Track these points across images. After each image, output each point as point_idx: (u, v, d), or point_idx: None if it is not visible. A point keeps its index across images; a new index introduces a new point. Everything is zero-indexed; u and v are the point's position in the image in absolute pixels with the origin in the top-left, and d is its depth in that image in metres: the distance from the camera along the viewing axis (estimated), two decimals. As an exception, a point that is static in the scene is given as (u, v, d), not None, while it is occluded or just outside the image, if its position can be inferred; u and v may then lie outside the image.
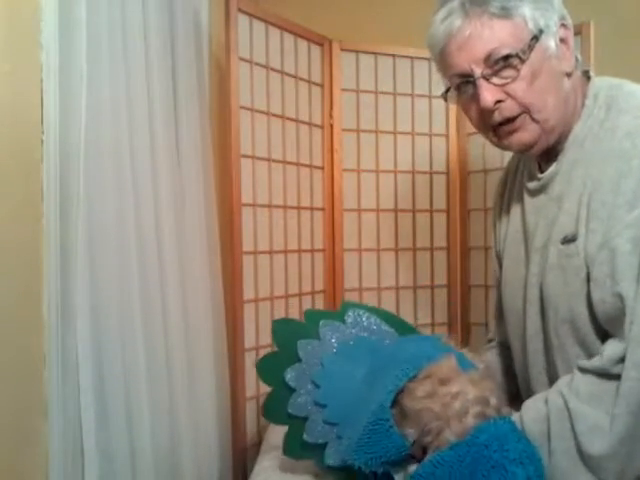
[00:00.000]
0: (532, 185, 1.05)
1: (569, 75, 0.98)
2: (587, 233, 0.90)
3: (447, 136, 2.37)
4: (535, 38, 0.93)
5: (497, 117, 0.97)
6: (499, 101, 0.95)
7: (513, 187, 1.16)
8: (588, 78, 1.04)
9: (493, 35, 0.92)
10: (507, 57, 0.93)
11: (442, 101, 2.47)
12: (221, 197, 1.96)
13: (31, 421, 1.24)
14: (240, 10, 1.87)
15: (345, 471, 1.07)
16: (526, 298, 1.02)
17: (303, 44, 2.15)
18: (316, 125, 2.21)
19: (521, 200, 1.09)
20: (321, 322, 1.22)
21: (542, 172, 1.04)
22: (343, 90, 2.25)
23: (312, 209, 2.20)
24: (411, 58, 2.33)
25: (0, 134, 1.16)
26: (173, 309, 1.62)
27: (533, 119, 0.96)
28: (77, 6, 1.32)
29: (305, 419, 1.15)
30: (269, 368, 1.23)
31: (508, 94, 0.95)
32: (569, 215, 0.94)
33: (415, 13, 2.52)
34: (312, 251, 2.20)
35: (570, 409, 0.86)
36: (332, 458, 1.10)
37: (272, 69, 2.02)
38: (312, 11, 2.45)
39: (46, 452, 1.26)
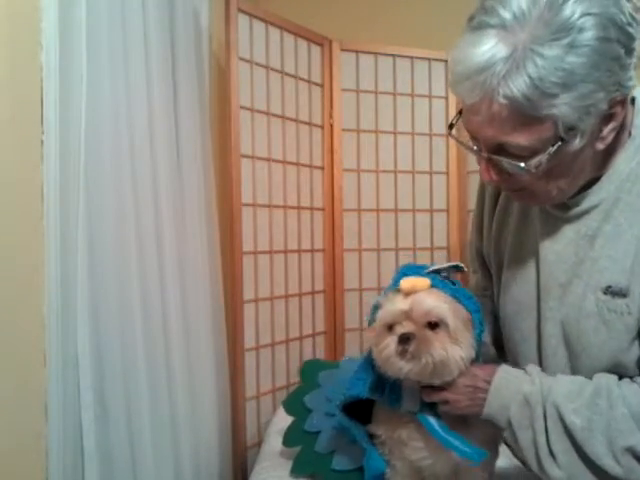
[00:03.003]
0: (558, 213, 0.91)
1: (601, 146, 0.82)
2: None
3: (447, 136, 2.37)
4: (561, 140, 0.76)
5: (501, 185, 0.89)
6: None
7: None
8: (631, 100, 0.86)
9: (514, 132, 0.76)
10: (518, 158, 0.79)
11: (442, 101, 2.50)
12: (221, 197, 1.96)
13: (31, 421, 1.24)
14: (240, 10, 1.87)
15: (351, 476, 1.17)
16: (542, 331, 0.94)
17: (303, 44, 2.15)
18: (316, 125, 2.21)
19: (532, 217, 0.98)
20: (344, 358, 1.36)
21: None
22: (343, 90, 2.25)
23: (312, 209, 2.20)
24: (411, 58, 2.33)
25: (0, 134, 1.16)
26: (173, 309, 1.62)
27: (538, 198, 0.86)
28: (77, 6, 1.32)
29: (318, 434, 1.28)
30: (294, 401, 1.40)
31: (511, 177, 0.83)
32: (614, 263, 0.85)
33: (415, 13, 2.54)
34: (312, 251, 2.20)
35: (612, 391, 0.83)
36: (340, 464, 1.20)
37: (272, 69, 2.02)
38: (312, 11, 2.45)
39: (46, 452, 1.26)
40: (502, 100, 0.73)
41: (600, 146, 0.81)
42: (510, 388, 0.88)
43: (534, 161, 0.78)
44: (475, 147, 0.83)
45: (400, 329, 0.89)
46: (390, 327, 0.90)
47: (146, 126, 1.52)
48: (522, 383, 0.88)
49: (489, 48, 0.73)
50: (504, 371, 0.91)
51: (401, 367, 0.88)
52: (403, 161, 2.34)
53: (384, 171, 2.32)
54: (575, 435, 0.83)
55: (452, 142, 2.36)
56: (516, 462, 1.43)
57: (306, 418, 1.34)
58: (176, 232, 1.64)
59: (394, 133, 2.33)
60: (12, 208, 1.19)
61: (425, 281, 0.91)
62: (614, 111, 0.78)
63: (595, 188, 0.87)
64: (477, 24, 0.76)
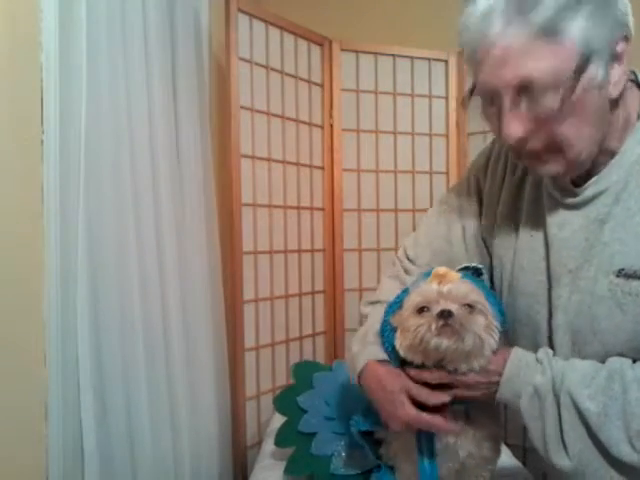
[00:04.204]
0: (566, 200, 0.91)
1: (615, 98, 0.83)
2: None
3: (447, 136, 2.37)
4: (582, 66, 0.77)
5: (523, 149, 0.86)
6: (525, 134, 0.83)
7: (523, 182, 1.02)
8: (637, 84, 0.88)
9: (532, 60, 0.77)
10: (544, 89, 0.78)
11: (442, 101, 2.49)
12: (221, 197, 1.96)
13: (31, 421, 1.24)
14: (240, 10, 1.87)
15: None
16: (552, 321, 0.93)
17: (303, 44, 2.15)
18: (316, 125, 2.21)
19: (539, 204, 0.97)
20: (335, 361, 1.36)
21: (575, 185, 0.91)
22: (343, 90, 2.25)
23: (312, 209, 2.20)
24: (411, 58, 2.33)
25: (0, 134, 1.16)
26: (173, 309, 1.62)
27: (562, 154, 0.84)
28: (77, 6, 1.32)
29: (313, 435, 1.28)
30: (285, 400, 1.40)
31: (537, 125, 0.82)
32: (626, 246, 0.84)
33: (415, 13, 2.54)
34: (312, 251, 2.21)
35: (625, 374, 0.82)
36: (338, 468, 1.20)
37: (272, 69, 2.02)
38: (312, 11, 2.45)
39: (46, 452, 1.26)
40: (518, 27, 0.76)
41: (613, 92, 0.82)
42: (521, 377, 0.88)
43: (560, 91, 0.78)
44: (495, 100, 0.83)
45: (438, 307, 0.87)
46: (421, 310, 0.89)
47: (146, 126, 1.52)
48: (533, 373, 0.88)
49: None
50: (516, 359, 0.90)
51: (439, 343, 0.86)
52: (403, 161, 2.34)
53: (384, 171, 2.32)
54: (590, 422, 0.82)
55: (452, 142, 2.36)
56: (516, 462, 1.43)
57: (299, 418, 1.34)
58: (176, 232, 1.64)
59: (394, 133, 2.33)
60: (12, 208, 1.19)
61: (457, 274, 0.92)
62: (620, 50, 0.79)
63: (604, 173, 0.87)
64: None
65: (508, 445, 1.50)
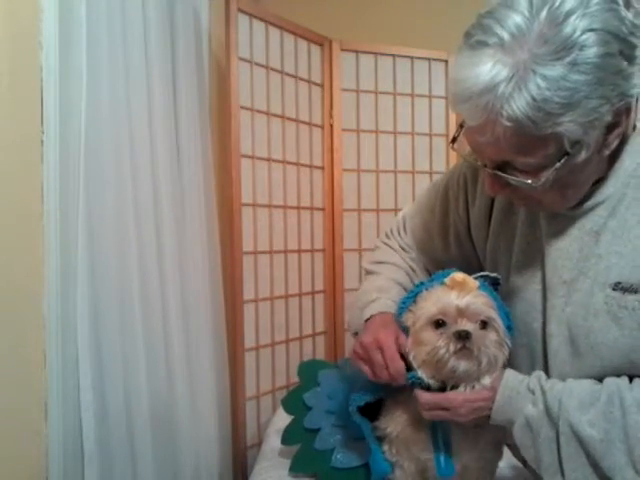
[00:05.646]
0: (563, 211, 0.90)
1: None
2: None
3: (447, 136, 2.37)
4: (567, 154, 0.75)
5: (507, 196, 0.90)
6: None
7: None
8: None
9: (513, 152, 0.76)
10: (526, 172, 0.78)
11: (442, 101, 2.49)
12: (221, 197, 1.96)
13: (31, 421, 1.24)
14: (240, 10, 1.87)
15: (351, 474, 1.16)
16: (546, 330, 0.93)
17: (303, 44, 2.15)
18: (316, 125, 2.21)
19: (538, 216, 0.95)
20: (340, 360, 1.35)
21: None
22: (343, 90, 2.25)
23: (312, 209, 2.20)
24: (411, 58, 2.33)
25: (0, 134, 1.16)
26: (173, 309, 1.62)
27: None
28: (77, 6, 1.32)
29: (317, 431, 1.27)
30: (293, 400, 1.39)
31: (518, 193, 0.83)
32: (622, 259, 0.84)
33: (415, 13, 2.54)
34: (312, 251, 2.21)
35: (623, 399, 0.81)
36: (339, 462, 1.20)
37: (272, 69, 2.02)
38: (312, 11, 2.45)
39: (46, 452, 1.26)
40: (506, 122, 0.72)
41: (606, 152, 0.81)
42: (512, 406, 0.88)
43: (540, 176, 0.77)
44: (479, 162, 0.83)
45: (455, 326, 0.86)
46: (437, 323, 0.88)
47: (146, 126, 1.52)
48: (525, 403, 0.87)
49: (489, 69, 0.72)
50: (507, 389, 0.89)
51: (457, 366, 0.86)
52: (403, 161, 2.34)
53: (384, 171, 2.32)
54: (592, 448, 0.81)
55: (452, 142, 2.36)
56: (516, 462, 1.43)
57: (305, 416, 1.34)
58: (176, 232, 1.64)
59: (394, 133, 2.33)
60: (12, 208, 1.19)
61: (475, 282, 0.91)
62: (619, 119, 0.77)
63: (601, 185, 0.86)
64: (475, 43, 0.74)
65: (508, 445, 1.50)
